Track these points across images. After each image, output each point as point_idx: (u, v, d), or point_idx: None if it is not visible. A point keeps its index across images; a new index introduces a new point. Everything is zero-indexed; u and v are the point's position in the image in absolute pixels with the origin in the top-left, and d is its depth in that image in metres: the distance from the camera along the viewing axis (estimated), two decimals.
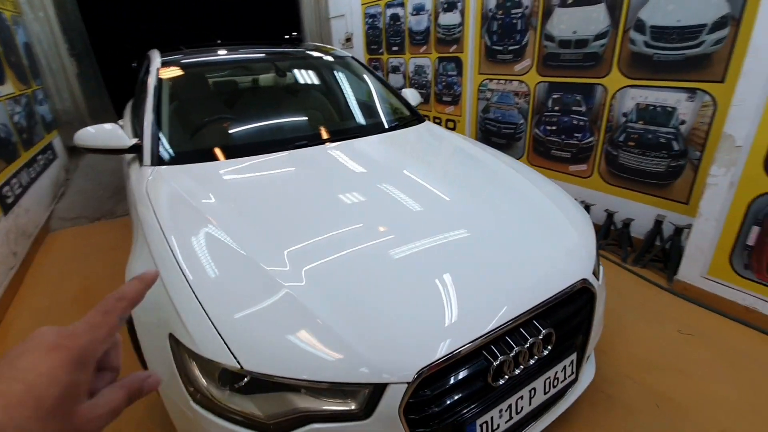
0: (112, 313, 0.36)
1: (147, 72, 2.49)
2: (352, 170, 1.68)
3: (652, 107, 2.42)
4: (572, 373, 1.25)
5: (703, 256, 2.08)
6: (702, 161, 2.25)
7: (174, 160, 1.71)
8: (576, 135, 2.90)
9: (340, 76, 2.54)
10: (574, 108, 2.87)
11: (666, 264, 2.43)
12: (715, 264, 2.06)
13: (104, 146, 1.77)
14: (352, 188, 1.50)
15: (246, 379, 0.94)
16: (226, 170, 1.65)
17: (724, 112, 2.00)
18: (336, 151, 1.84)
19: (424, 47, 4.25)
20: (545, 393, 1.18)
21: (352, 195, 1.45)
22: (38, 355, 0.31)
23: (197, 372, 0.98)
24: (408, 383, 0.91)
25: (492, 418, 1.06)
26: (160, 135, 1.79)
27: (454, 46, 3.83)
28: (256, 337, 0.95)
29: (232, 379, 0.94)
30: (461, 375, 1.00)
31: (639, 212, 2.61)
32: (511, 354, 1.04)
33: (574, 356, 1.24)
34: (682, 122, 2.31)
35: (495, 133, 3.62)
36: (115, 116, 5.74)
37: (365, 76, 2.53)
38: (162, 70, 2.09)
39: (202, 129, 1.99)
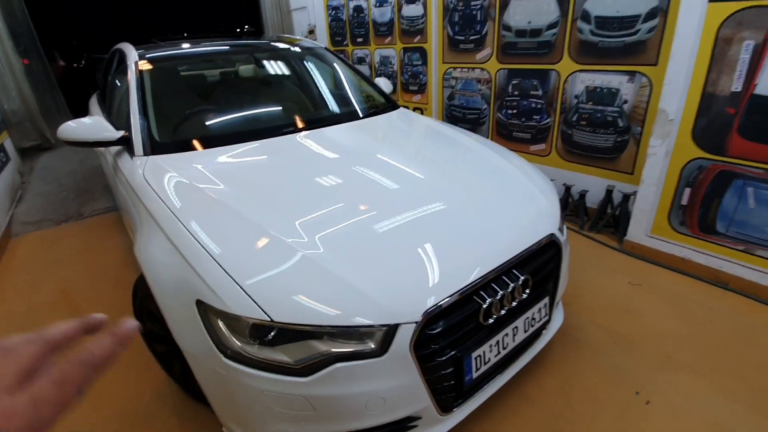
0: (69, 383, 0.27)
1: (120, 65, 2.49)
2: (335, 155, 1.81)
3: (599, 89, 2.71)
4: (546, 314, 1.47)
5: (647, 217, 2.40)
6: (643, 135, 2.56)
7: (165, 149, 1.77)
8: (535, 117, 3.17)
9: (319, 67, 2.65)
10: (532, 92, 3.13)
11: (616, 228, 2.75)
12: (656, 224, 2.37)
13: (92, 139, 1.80)
14: (341, 171, 1.64)
15: (274, 332, 1.07)
16: (220, 156, 1.74)
17: (659, 91, 2.30)
18: (321, 137, 1.97)
19: (389, 38, 4.40)
20: (525, 331, 1.40)
21: (344, 177, 1.60)
22: None
23: (227, 331, 1.10)
24: (416, 322, 1.08)
25: (484, 352, 1.26)
26: (149, 126, 1.84)
27: (418, 37, 4.01)
28: (281, 293, 1.08)
29: (262, 332, 1.07)
30: (458, 315, 1.18)
31: (592, 184, 2.91)
32: (497, 297, 1.24)
33: (546, 299, 1.46)
34: (625, 101, 2.61)
35: (460, 118, 3.84)
36: (71, 115, 5.46)
37: (344, 67, 2.66)
38: (141, 63, 2.12)
39: (187, 119, 2.05)
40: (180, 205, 1.38)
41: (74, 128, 1.80)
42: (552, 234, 1.46)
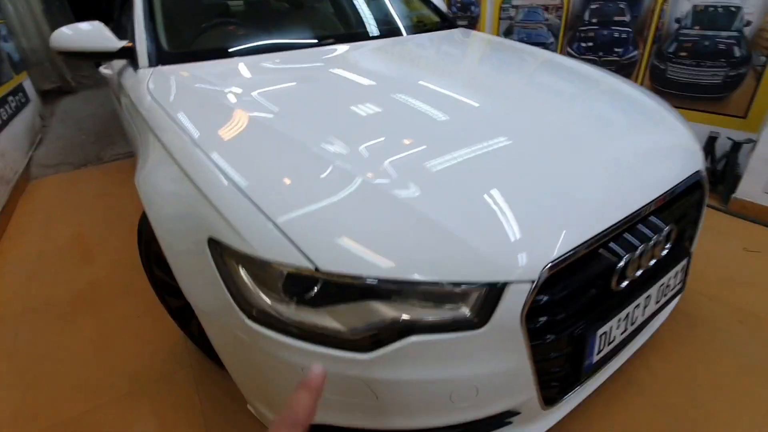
0: None
1: None
2: (373, 80, 1.40)
3: (712, 8, 2.14)
4: (680, 281, 1.08)
5: None
6: None
7: (175, 59, 1.41)
8: (616, 50, 2.62)
9: None
10: (616, 18, 2.57)
11: (715, 184, 2.26)
12: None
13: (89, 48, 1.45)
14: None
15: (319, 286, 0.72)
16: (241, 66, 1.38)
17: None
18: (360, 52, 1.56)
19: None
20: (657, 302, 1.01)
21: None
22: None
23: (252, 283, 0.76)
24: (533, 282, 0.71)
25: (611, 328, 0.89)
26: (156, 31, 1.47)
27: None
28: (332, 232, 0.72)
29: (301, 286, 0.73)
30: (583, 276, 0.81)
31: None
32: (636, 252, 0.85)
33: (685, 261, 1.06)
34: (747, 23, 2.05)
35: None
36: None
37: None
38: None
39: (202, 30, 1.67)
40: (192, 121, 1.04)
41: (69, 36, 1.45)
42: (699, 172, 1.04)
